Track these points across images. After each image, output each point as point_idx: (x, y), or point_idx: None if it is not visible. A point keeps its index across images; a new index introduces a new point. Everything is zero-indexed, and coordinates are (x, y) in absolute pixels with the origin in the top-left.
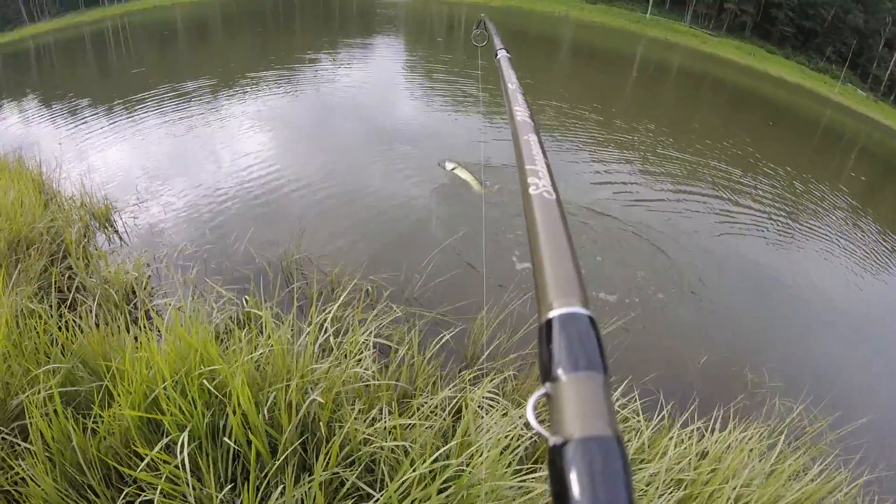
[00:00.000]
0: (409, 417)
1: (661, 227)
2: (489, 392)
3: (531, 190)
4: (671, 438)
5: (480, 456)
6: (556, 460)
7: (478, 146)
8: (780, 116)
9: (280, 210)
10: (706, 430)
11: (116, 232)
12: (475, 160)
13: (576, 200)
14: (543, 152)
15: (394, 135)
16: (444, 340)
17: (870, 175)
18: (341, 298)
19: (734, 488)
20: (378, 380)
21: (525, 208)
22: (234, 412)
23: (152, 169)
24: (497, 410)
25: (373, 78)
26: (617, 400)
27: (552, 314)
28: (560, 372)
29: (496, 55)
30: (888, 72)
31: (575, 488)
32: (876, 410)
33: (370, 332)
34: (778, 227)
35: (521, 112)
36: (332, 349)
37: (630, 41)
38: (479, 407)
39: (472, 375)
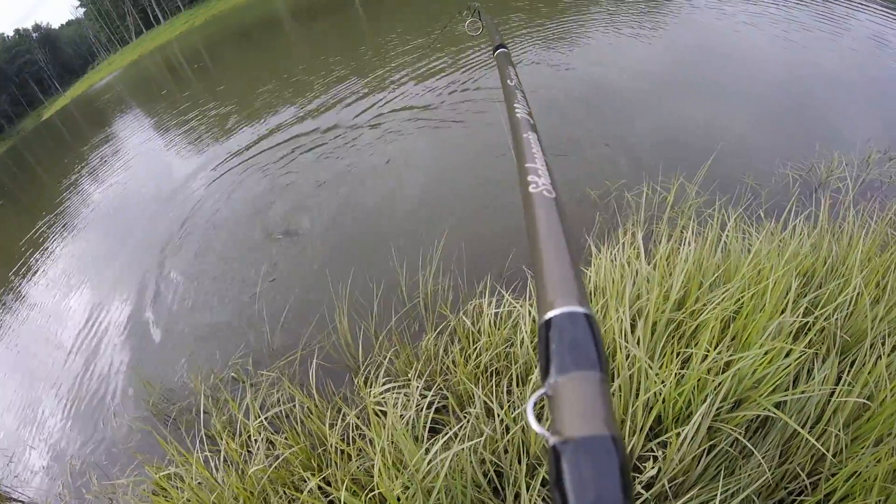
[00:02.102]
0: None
1: None
2: (382, 385)
3: (531, 188)
4: None
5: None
6: (556, 460)
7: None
8: None
9: (106, 360)
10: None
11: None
12: None
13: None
14: (542, 150)
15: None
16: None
17: None
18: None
19: (626, 311)
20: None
21: (524, 207)
22: None
23: None
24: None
25: (140, 170)
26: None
27: (551, 314)
28: (559, 372)
29: (495, 51)
30: None
31: (574, 488)
32: (717, 138)
33: (259, 420)
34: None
35: (520, 109)
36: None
37: None
38: (377, 403)
39: (362, 379)
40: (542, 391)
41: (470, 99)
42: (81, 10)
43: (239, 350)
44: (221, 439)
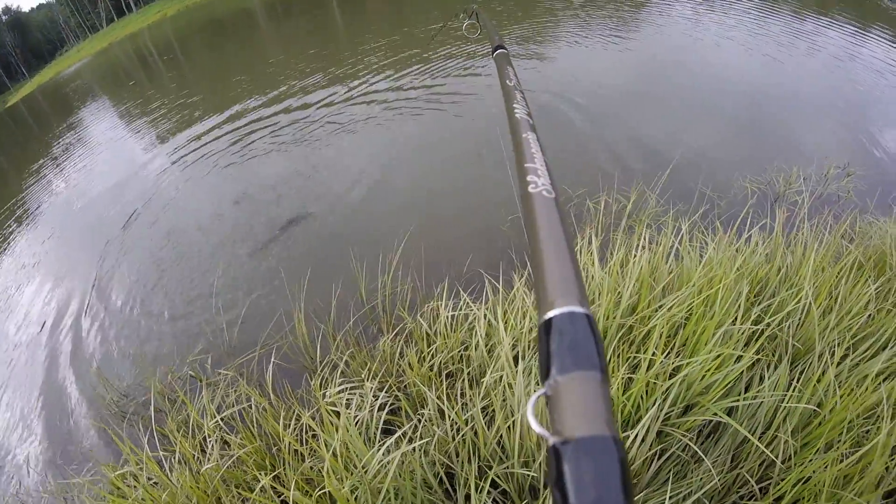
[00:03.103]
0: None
1: None
2: (338, 387)
3: (530, 188)
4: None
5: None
6: (556, 460)
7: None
8: None
9: (62, 357)
10: None
11: None
12: None
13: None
14: (542, 150)
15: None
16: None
17: None
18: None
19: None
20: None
21: (524, 207)
22: None
23: None
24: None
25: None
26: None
27: (551, 314)
28: (559, 372)
29: (494, 52)
30: None
31: (575, 488)
32: (679, 150)
33: (215, 420)
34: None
35: (519, 110)
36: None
37: None
38: (332, 404)
39: (319, 380)
40: (542, 391)
41: (437, 100)
42: None
43: (197, 348)
44: (176, 438)
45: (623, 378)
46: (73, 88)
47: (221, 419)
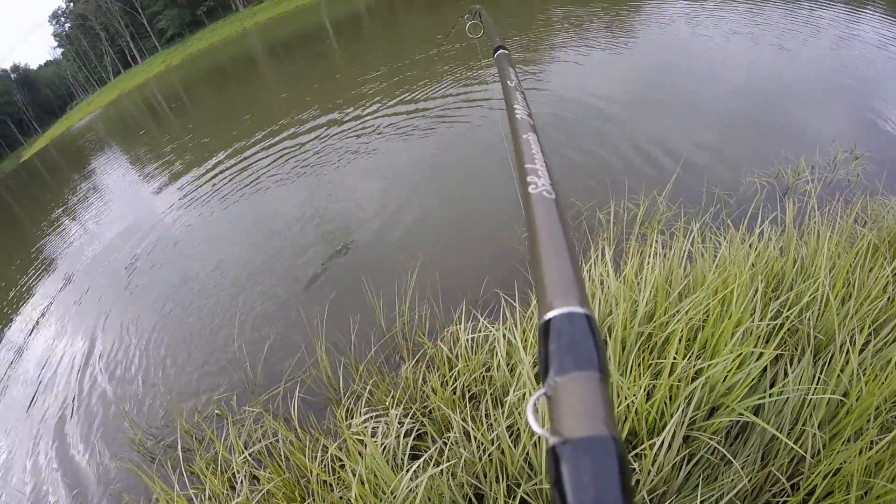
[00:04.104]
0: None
1: None
2: (363, 416)
3: (531, 189)
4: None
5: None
6: (555, 460)
7: None
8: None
9: (89, 402)
10: None
11: None
12: None
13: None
14: (542, 151)
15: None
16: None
17: None
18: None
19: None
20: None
21: (524, 207)
22: None
23: None
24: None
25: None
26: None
27: (551, 314)
28: (558, 372)
29: (494, 53)
30: None
31: (573, 488)
32: (685, 152)
33: (243, 456)
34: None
35: (520, 110)
36: None
37: (312, 14)
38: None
39: (344, 410)
40: (541, 392)
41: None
42: (59, 51)
43: (222, 387)
44: (206, 476)
45: (646, 386)
46: (87, 140)
47: (249, 455)
